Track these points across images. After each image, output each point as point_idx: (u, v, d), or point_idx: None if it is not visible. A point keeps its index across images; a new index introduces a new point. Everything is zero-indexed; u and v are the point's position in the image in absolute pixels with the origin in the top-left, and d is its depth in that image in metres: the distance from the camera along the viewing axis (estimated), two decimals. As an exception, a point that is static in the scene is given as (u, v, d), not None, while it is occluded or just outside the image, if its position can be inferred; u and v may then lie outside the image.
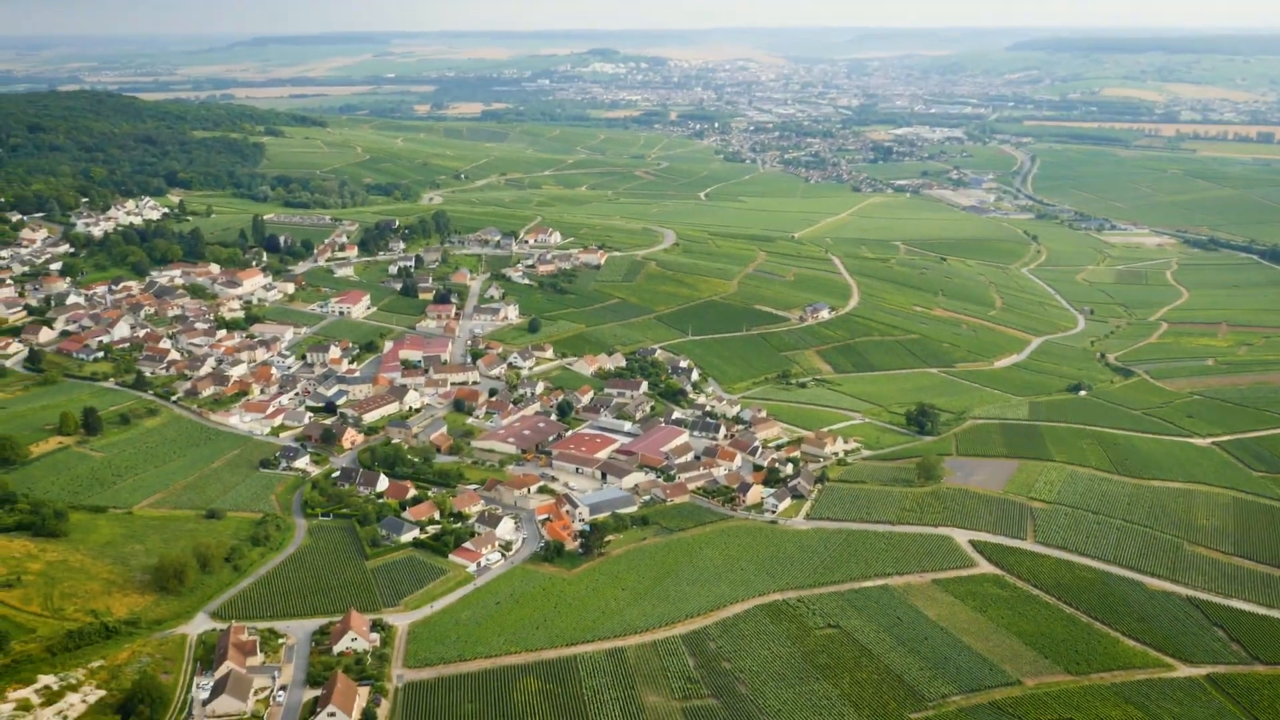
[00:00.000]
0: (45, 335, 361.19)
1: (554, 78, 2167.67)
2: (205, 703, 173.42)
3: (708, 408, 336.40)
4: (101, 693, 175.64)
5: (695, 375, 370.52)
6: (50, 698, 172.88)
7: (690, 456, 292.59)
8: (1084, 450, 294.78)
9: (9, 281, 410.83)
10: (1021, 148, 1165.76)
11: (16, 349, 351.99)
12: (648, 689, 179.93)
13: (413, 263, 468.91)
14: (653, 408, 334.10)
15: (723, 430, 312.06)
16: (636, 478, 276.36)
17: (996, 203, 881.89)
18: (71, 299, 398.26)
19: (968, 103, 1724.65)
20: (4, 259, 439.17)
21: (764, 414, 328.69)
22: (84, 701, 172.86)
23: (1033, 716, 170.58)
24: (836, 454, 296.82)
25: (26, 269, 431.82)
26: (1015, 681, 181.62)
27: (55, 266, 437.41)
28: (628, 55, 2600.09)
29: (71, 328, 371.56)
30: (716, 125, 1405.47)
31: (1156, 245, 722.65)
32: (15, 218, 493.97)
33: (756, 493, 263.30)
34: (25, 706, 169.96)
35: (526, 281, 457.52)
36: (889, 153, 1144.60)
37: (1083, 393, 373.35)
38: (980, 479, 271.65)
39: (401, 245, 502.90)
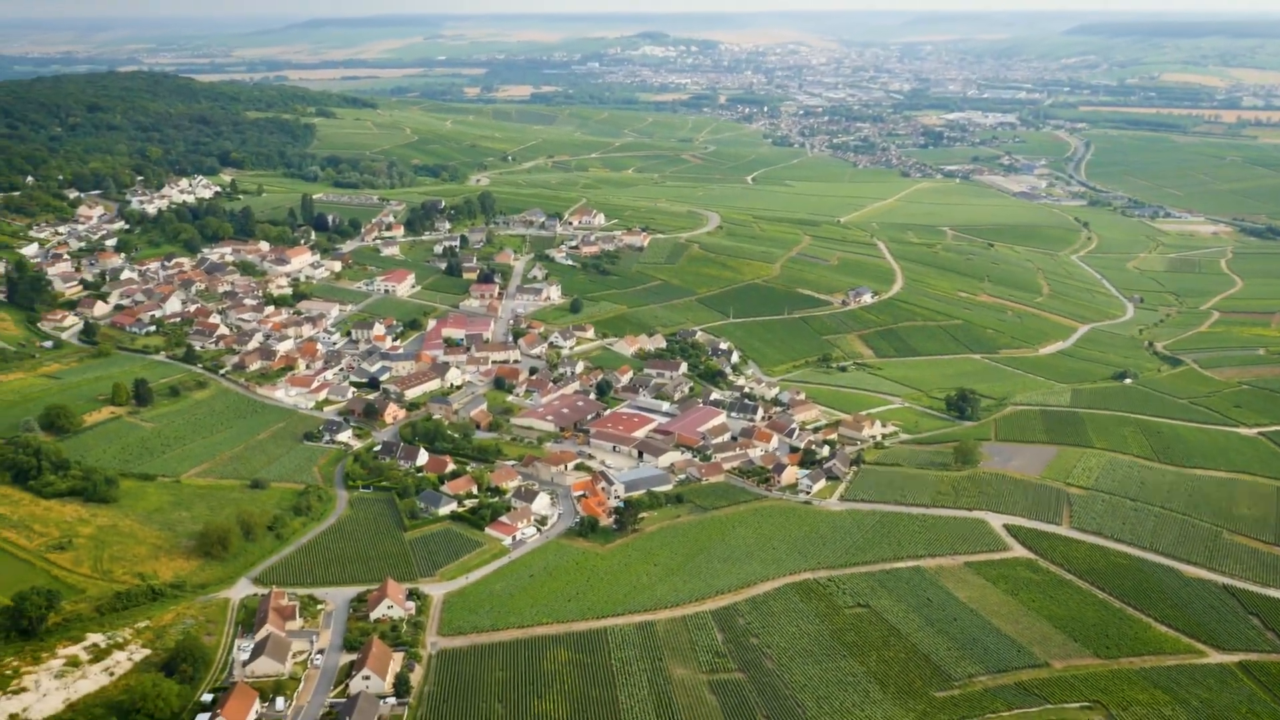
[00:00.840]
0: (100, 309, 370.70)
1: (603, 61, 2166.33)
2: (245, 663, 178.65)
3: (746, 389, 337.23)
4: (146, 651, 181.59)
5: (735, 357, 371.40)
6: (98, 655, 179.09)
7: (727, 437, 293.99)
8: (1125, 438, 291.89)
9: (66, 257, 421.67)
10: (1076, 134, 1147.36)
11: (72, 322, 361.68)
12: (675, 662, 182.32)
13: (458, 243, 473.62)
14: (691, 389, 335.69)
15: (760, 412, 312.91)
16: (672, 457, 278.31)
17: (1048, 189, 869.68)
18: (125, 274, 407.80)
19: (1022, 88, 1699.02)
20: (62, 235, 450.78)
21: (802, 396, 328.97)
22: (130, 659, 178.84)
23: (1059, 698, 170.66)
24: (874, 437, 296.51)
25: (83, 245, 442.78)
26: (1043, 664, 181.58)
27: (110, 242, 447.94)
28: (678, 38, 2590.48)
29: (125, 302, 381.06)
30: (765, 109, 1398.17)
31: (1211, 233, 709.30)
32: (73, 195, 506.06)
33: (791, 473, 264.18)
34: (74, 663, 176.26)
35: (570, 262, 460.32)
36: (940, 138, 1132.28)
37: (1128, 381, 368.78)
38: (1018, 464, 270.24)
39: (447, 225, 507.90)
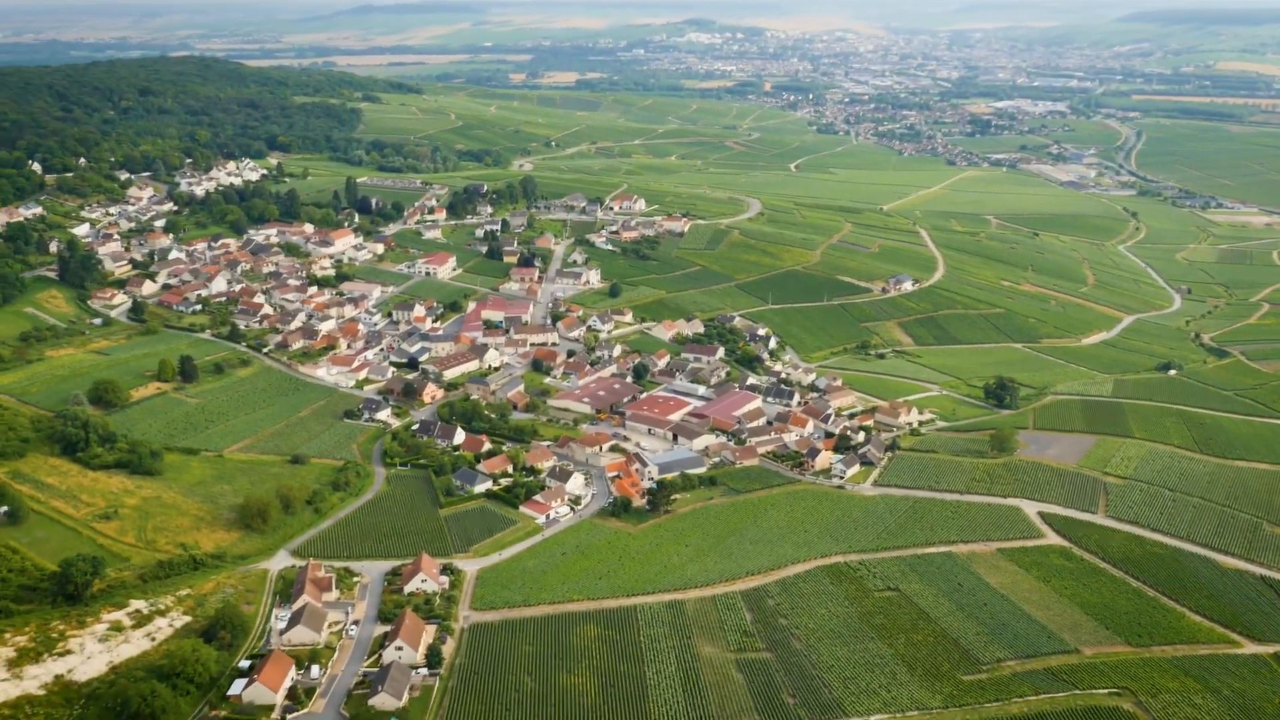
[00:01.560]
0: (148, 288, 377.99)
1: (649, 47, 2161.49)
2: (282, 632, 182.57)
3: (783, 375, 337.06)
4: (187, 618, 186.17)
5: (773, 343, 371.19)
6: (140, 620, 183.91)
7: (762, 421, 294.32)
8: (1167, 428, 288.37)
9: (116, 237, 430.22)
10: (1127, 123, 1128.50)
11: (121, 300, 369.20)
12: (704, 640, 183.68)
13: (499, 226, 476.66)
14: (728, 373, 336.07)
15: (796, 397, 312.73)
16: (707, 440, 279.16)
17: (1097, 179, 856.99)
18: (173, 254, 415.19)
19: (1073, 75, 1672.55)
20: (112, 215, 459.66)
21: (839, 383, 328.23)
22: (171, 625, 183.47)
23: (1087, 684, 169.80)
24: (910, 424, 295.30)
25: (133, 225, 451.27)
26: (1073, 650, 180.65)
27: (159, 223, 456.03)
28: (724, 25, 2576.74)
29: (173, 281, 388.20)
30: (811, 97, 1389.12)
31: (1265, 224, 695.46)
32: (124, 177, 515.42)
33: (825, 458, 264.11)
34: (118, 627, 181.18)
35: (609, 247, 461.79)
36: (987, 126, 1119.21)
37: (1172, 372, 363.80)
38: (1055, 453, 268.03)
39: (489, 209, 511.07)
